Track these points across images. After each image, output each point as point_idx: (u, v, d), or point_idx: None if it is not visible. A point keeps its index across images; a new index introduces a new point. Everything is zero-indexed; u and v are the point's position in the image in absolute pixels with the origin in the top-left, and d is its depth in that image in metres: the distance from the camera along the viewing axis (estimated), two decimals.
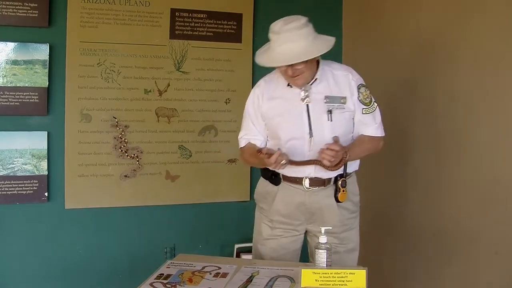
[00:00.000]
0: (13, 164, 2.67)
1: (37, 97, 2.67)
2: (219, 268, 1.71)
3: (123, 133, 2.87)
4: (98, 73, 2.81)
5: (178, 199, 2.99)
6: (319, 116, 1.84)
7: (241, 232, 2.91)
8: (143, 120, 2.91)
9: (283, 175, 1.91)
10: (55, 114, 2.74)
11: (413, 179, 2.55)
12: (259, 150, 1.75)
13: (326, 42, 1.78)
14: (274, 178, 1.93)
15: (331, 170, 1.80)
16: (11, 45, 2.63)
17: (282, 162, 1.73)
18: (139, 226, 2.93)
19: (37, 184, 2.69)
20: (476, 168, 2.12)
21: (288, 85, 1.87)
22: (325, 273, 1.49)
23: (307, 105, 1.84)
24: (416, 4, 2.53)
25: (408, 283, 2.57)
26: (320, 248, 1.57)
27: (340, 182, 1.87)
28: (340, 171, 1.86)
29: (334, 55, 3.21)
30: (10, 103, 2.63)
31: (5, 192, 2.65)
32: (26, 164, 2.68)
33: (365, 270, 1.48)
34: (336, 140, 1.76)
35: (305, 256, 2.06)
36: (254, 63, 3.05)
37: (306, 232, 2.00)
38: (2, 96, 2.62)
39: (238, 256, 2.88)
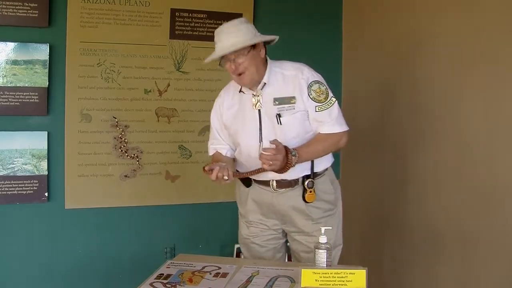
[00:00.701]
0: (13, 164, 2.67)
1: (37, 97, 2.67)
2: (219, 268, 1.71)
3: (123, 133, 2.87)
4: (98, 73, 2.81)
5: (178, 199, 2.99)
6: (270, 120, 1.86)
7: None
8: (143, 120, 2.91)
9: (253, 178, 1.94)
10: (55, 114, 2.74)
11: (412, 179, 2.55)
12: (203, 168, 1.78)
13: (265, 37, 1.85)
14: (246, 180, 1.97)
15: (281, 173, 1.79)
16: (11, 45, 2.63)
17: (224, 177, 1.75)
18: (139, 226, 2.93)
19: (37, 184, 2.69)
20: (475, 168, 2.12)
21: (240, 90, 1.92)
22: (325, 273, 1.49)
23: (259, 110, 1.87)
24: (416, 4, 2.53)
25: (408, 283, 2.57)
26: (320, 248, 1.57)
27: (306, 183, 1.87)
28: (306, 171, 1.87)
29: (334, 55, 3.26)
30: (10, 103, 2.63)
31: (5, 192, 2.65)
32: (26, 164, 2.68)
33: (365, 270, 1.48)
34: (274, 143, 1.73)
35: None
36: None
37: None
38: (2, 96, 2.62)
39: (238, 256, 2.88)
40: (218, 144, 2.02)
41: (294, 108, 1.84)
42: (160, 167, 2.95)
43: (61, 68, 2.74)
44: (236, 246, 2.94)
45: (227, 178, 1.76)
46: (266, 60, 1.90)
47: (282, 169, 1.76)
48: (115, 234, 2.89)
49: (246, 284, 1.56)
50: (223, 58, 1.85)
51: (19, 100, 2.64)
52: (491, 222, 2.03)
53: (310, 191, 1.87)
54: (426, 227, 2.43)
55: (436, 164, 2.37)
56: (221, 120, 1.99)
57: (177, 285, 1.55)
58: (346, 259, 3.11)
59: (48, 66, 2.68)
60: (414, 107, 2.53)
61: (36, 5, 2.62)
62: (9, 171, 2.66)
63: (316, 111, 1.85)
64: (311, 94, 1.84)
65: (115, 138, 2.86)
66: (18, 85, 2.64)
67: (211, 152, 2.05)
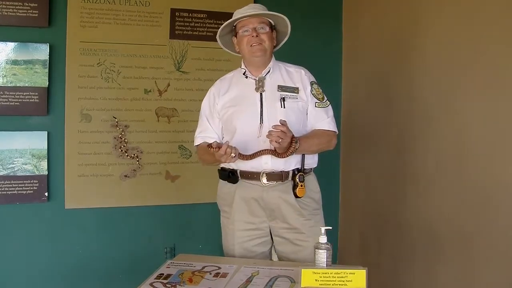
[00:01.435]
0: (13, 164, 2.67)
1: (37, 97, 2.67)
2: (219, 268, 1.71)
3: (123, 133, 2.87)
4: (98, 73, 2.81)
5: (178, 199, 2.99)
6: (273, 104, 1.90)
7: None
8: (143, 120, 2.91)
9: (240, 172, 1.92)
10: (55, 114, 2.75)
11: (412, 179, 2.55)
12: (209, 145, 1.76)
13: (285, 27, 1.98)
14: (232, 176, 1.94)
15: (283, 157, 1.81)
16: (11, 45, 2.63)
17: (232, 154, 1.75)
18: (139, 226, 2.93)
19: (37, 184, 2.70)
20: (474, 167, 2.12)
21: (244, 74, 1.95)
22: (325, 273, 1.49)
23: (261, 94, 1.91)
24: (416, 4, 2.53)
25: (407, 283, 2.57)
26: (320, 248, 1.57)
27: (298, 177, 1.88)
28: (297, 164, 1.89)
29: (334, 55, 3.26)
30: (10, 103, 2.64)
31: (5, 192, 2.65)
32: (26, 164, 2.68)
33: (365, 270, 1.48)
34: (282, 122, 1.75)
35: None
36: None
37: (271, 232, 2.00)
38: (2, 96, 2.62)
39: None
40: (206, 134, 2.00)
41: (297, 98, 1.92)
42: (160, 167, 2.96)
43: (61, 68, 2.74)
44: None
45: (234, 155, 1.75)
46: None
47: (284, 153, 1.79)
48: (115, 234, 2.89)
49: (246, 284, 1.56)
50: (241, 27, 1.90)
51: (19, 100, 2.64)
52: (491, 222, 2.03)
53: (301, 185, 1.87)
54: (426, 227, 2.43)
55: (435, 164, 2.37)
56: (213, 109, 1.99)
57: (177, 285, 1.54)
58: (346, 259, 3.13)
59: (48, 66, 2.68)
60: (413, 106, 2.53)
61: (36, 5, 2.62)
62: (9, 171, 2.66)
63: (316, 107, 1.95)
64: (312, 91, 1.95)
65: (115, 138, 2.86)
66: (18, 85, 2.64)
67: (198, 142, 2.04)
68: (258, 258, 1.95)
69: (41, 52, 2.67)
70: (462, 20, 2.20)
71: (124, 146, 2.88)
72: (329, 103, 1.98)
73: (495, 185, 2.01)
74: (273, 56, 1.99)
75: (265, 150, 1.83)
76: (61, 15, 2.72)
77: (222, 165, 1.98)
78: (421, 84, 2.47)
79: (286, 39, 2.02)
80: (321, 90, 1.98)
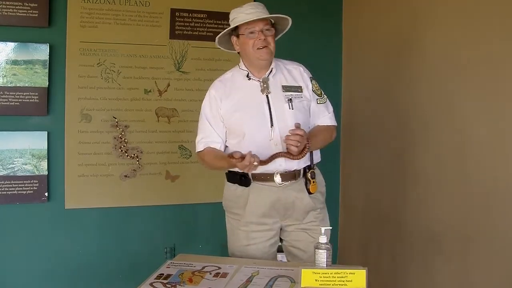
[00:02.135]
0: (13, 164, 2.67)
1: (37, 97, 2.67)
2: (219, 268, 1.70)
3: (123, 133, 2.87)
4: (98, 73, 2.81)
5: (178, 199, 2.99)
6: (280, 105, 1.88)
7: None
8: (143, 120, 2.91)
9: (252, 175, 1.90)
10: (55, 114, 2.75)
11: (412, 179, 2.55)
12: (230, 155, 1.73)
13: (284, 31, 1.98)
14: (244, 179, 1.91)
15: (297, 159, 1.81)
16: (11, 45, 2.63)
17: (255, 163, 1.73)
18: (139, 226, 2.93)
19: (37, 184, 2.70)
20: (474, 167, 2.12)
21: (247, 76, 1.91)
22: (325, 273, 1.49)
23: (267, 96, 1.88)
24: (416, 4, 2.53)
25: (407, 283, 2.57)
26: (320, 248, 1.57)
27: (309, 174, 1.90)
28: (307, 162, 1.90)
29: (334, 55, 3.26)
30: (10, 103, 2.64)
31: (5, 192, 2.65)
32: (26, 164, 2.68)
33: (365, 270, 1.48)
34: (297, 126, 1.76)
35: None
36: None
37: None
38: (2, 96, 2.62)
39: None
40: (210, 139, 1.95)
41: (301, 97, 1.92)
42: (160, 167, 2.95)
43: (61, 68, 2.74)
44: None
45: (256, 163, 1.73)
46: None
47: (299, 155, 1.79)
48: (115, 234, 2.89)
49: (246, 284, 1.56)
50: (246, 29, 1.86)
51: (19, 100, 2.64)
52: (491, 222, 2.03)
53: (313, 182, 1.90)
54: (426, 227, 2.43)
55: (436, 164, 2.37)
56: (217, 112, 1.93)
57: (177, 285, 1.54)
58: (346, 259, 3.13)
59: (48, 66, 2.68)
60: (414, 106, 2.53)
61: (36, 5, 2.62)
62: (9, 171, 2.66)
63: (317, 103, 1.96)
64: (313, 88, 1.96)
65: (115, 138, 2.86)
66: (18, 85, 2.64)
67: (201, 148, 1.97)
68: (269, 259, 1.94)
69: (41, 52, 2.67)
70: (461, 20, 2.20)
71: (124, 146, 2.88)
72: (326, 97, 2.00)
73: (495, 186, 2.01)
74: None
75: (280, 153, 1.82)
76: (61, 15, 2.72)
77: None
78: (421, 83, 2.47)
79: (280, 35, 1.99)
80: (318, 85, 1.99)
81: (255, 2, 1.91)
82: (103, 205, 2.85)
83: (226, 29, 1.90)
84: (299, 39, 3.05)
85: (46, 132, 2.72)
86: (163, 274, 1.64)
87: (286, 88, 1.91)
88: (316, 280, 1.48)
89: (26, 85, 2.65)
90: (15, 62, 2.64)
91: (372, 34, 2.97)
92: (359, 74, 3.11)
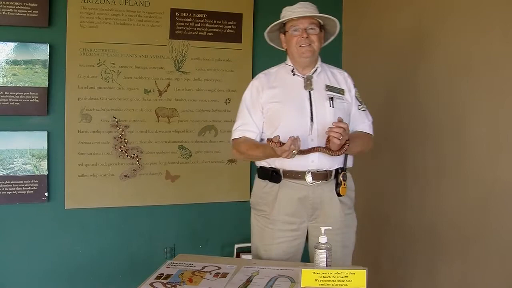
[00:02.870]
0: (13, 164, 2.67)
1: (37, 97, 2.67)
2: (219, 268, 1.71)
3: (123, 133, 2.87)
4: (98, 73, 2.81)
5: (178, 199, 2.99)
6: (322, 102, 1.90)
7: (241, 232, 2.91)
8: (143, 120, 2.91)
9: (284, 172, 1.89)
10: (55, 114, 2.75)
11: (412, 179, 2.55)
12: (270, 139, 1.72)
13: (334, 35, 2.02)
14: (276, 175, 1.91)
15: (336, 155, 1.81)
16: (11, 45, 2.63)
17: (294, 151, 1.71)
18: (139, 226, 2.93)
19: (37, 184, 2.70)
20: (475, 168, 2.12)
21: (292, 72, 1.95)
22: (325, 273, 1.49)
23: (309, 92, 1.91)
24: (416, 4, 2.53)
25: (407, 283, 2.57)
26: (320, 248, 1.57)
27: (341, 176, 1.89)
28: (340, 163, 1.90)
29: (334, 55, 3.25)
30: (10, 103, 2.63)
31: (5, 192, 2.65)
32: (26, 164, 2.68)
33: (365, 270, 1.48)
34: (340, 120, 1.77)
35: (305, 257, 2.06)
36: (254, 63, 3.06)
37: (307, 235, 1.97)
38: (2, 96, 2.62)
39: (238, 256, 2.88)
40: (247, 128, 1.95)
41: (342, 99, 1.95)
42: (160, 167, 2.96)
43: (61, 68, 2.74)
44: (236, 246, 2.94)
45: (295, 151, 1.72)
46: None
47: (338, 151, 1.79)
48: (115, 234, 2.89)
49: (246, 284, 1.56)
50: (291, 27, 1.91)
51: (19, 100, 2.64)
52: (492, 221, 2.03)
53: (344, 184, 1.89)
54: (426, 227, 2.43)
55: (436, 164, 2.37)
56: (257, 101, 1.95)
57: (177, 285, 1.55)
58: None
59: (48, 66, 2.68)
60: (414, 106, 2.53)
61: (36, 5, 2.62)
62: (9, 171, 2.66)
63: (358, 109, 2.00)
64: (356, 94, 2.01)
65: (115, 138, 2.86)
66: (18, 85, 2.64)
67: (236, 135, 1.97)
68: (292, 260, 1.91)
69: (41, 52, 2.66)
70: (461, 20, 2.20)
71: (124, 146, 2.88)
72: (366, 107, 2.03)
73: (495, 186, 2.01)
74: (319, 56, 1.99)
75: (320, 147, 1.82)
76: (61, 15, 2.72)
77: (263, 163, 1.95)
78: (421, 83, 2.47)
79: (332, 38, 2.03)
80: (359, 95, 2.02)
81: (306, 3, 1.95)
82: (103, 205, 2.85)
83: (272, 25, 1.95)
84: None
85: (46, 132, 2.72)
86: (163, 274, 1.64)
87: (329, 88, 1.94)
88: (316, 280, 1.48)
89: (26, 85, 2.65)
90: (15, 62, 2.64)
91: (372, 34, 2.97)
92: (359, 74, 3.10)
